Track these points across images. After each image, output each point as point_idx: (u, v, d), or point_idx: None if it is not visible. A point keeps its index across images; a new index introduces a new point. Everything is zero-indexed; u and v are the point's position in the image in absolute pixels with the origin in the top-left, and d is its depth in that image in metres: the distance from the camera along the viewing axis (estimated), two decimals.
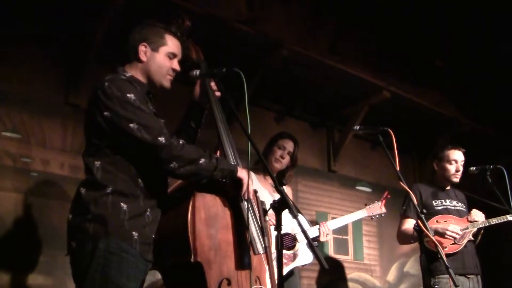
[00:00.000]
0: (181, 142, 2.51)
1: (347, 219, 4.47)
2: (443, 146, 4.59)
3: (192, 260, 2.51)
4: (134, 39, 2.70)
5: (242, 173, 2.67)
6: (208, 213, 2.64)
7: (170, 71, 2.73)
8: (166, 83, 2.74)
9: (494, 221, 4.33)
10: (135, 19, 2.80)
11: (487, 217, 4.36)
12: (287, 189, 4.32)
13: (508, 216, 4.28)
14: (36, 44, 4.37)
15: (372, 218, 4.60)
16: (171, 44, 2.72)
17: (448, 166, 4.45)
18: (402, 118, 6.38)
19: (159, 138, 2.44)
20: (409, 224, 4.31)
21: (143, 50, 2.67)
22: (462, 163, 4.47)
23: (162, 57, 2.70)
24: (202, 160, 2.53)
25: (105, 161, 2.46)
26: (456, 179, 4.47)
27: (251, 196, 2.69)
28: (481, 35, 5.96)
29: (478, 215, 4.35)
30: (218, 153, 2.85)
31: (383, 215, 4.57)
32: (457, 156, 4.46)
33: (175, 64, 2.75)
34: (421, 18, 5.73)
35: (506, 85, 6.49)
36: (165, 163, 2.47)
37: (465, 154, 4.51)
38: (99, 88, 2.47)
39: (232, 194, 2.71)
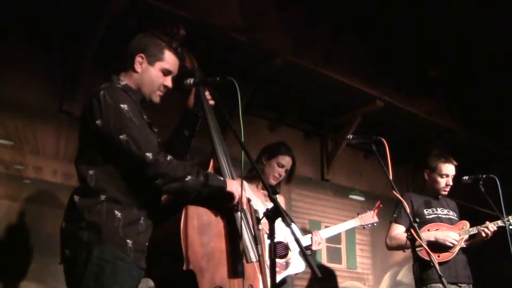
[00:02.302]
0: (168, 159, 2.49)
1: (340, 228, 4.48)
2: (436, 157, 4.55)
3: (184, 268, 2.51)
4: (134, 47, 2.68)
5: (232, 186, 2.66)
6: (201, 221, 2.64)
7: (162, 87, 2.71)
8: (155, 98, 2.73)
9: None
10: (130, 27, 2.81)
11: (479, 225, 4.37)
12: (280, 198, 4.28)
13: (499, 221, 4.29)
14: (31, 50, 4.37)
15: (364, 227, 4.62)
16: (169, 60, 2.70)
17: (439, 179, 4.46)
18: (396, 128, 6.40)
19: (147, 154, 2.42)
20: (399, 230, 4.34)
21: (139, 61, 2.66)
22: (453, 177, 4.48)
23: (156, 72, 2.68)
24: (188, 178, 2.51)
25: (99, 169, 2.46)
26: (445, 192, 4.49)
27: (244, 207, 2.69)
28: (474, 44, 6.00)
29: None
30: (212, 162, 2.86)
31: (375, 224, 4.59)
32: (449, 170, 4.46)
33: (168, 81, 2.73)
34: (415, 28, 5.76)
35: (499, 95, 6.53)
36: (150, 179, 2.47)
37: (457, 167, 4.52)
38: (93, 96, 2.47)
39: (225, 204, 2.70)
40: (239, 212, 2.67)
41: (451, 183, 4.47)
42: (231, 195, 2.65)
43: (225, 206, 2.70)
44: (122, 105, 2.46)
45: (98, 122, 2.43)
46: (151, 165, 2.43)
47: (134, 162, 2.44)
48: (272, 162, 4.14)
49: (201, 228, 2.62)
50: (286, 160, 4.16)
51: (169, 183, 2.48)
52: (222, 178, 2.67)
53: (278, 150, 4.19)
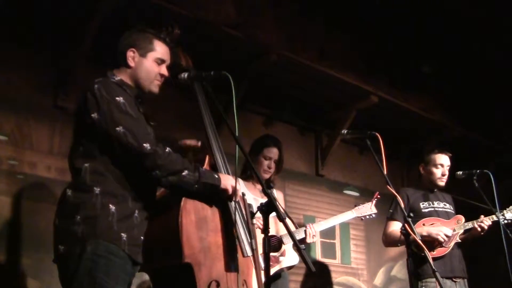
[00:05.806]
0: (166, 151, 2.51)
1: (335, 220, 4.39)
2: (430, 150, 4.59)
3: (182, 261, 2.52)
4: (123, 44, 2.71)
5: (226, 182, 2.67)
6: (198, 216, 2.66)
7: (158, 77, 2.74)
8: (154, 88, 2.74)
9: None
10: (124, 22, 2.81)
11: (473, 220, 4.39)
12: (277, 194, 4.26)
13: (493, 216, 4.30)
14: (25, 45, 4.34)
15: (362, 219, 4.51)
16: (160, 49, 2.73)
17: (434, 170, 4.48)
18: (390, 123, 6.41)
19: (144, 145, 2.44)
20: (395, 226, 4.34)
21: (131, 56, 2.68)
22: (448, 167, 4.50)
23: (150, 63, 2.70)
24: (185, 172, 2.53)
25: (94, 163, 2.46)
26: (442, 183, 4.50)
27: (238, 198, 2.71)
28: (469, 41, 6.02)
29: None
30: (207, 158, 2.87)
31: (373, 215, 4.49)
32: (443, 160, 4.48)
33: (163, 70, 2.75)
34: (409, 24, 5.77)
35: (493, 91, 6.55)
36: (148, 170, 2.48)
37: (451, 158, 4.54)
38: (89, 90, 2.48)
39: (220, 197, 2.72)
40: (233, 203, 2.68)
41: (447, 173, 4.48)
42: (225, 192, 2.67)
43: (221, 198, 2.71)
44: (117, 98, 2.47)
45: (93, 115, 2.44)
46: (149, 156, 2.44)
47: (132, 153, 2.45)
48: (259, 156, 4.15)
49: (198, 222, 2.64)
50: (273, 152, 4.16)
51: (166, 176, 2.50)
52: (216, 176, 2.68)
53: (263, 143, 4.21)
